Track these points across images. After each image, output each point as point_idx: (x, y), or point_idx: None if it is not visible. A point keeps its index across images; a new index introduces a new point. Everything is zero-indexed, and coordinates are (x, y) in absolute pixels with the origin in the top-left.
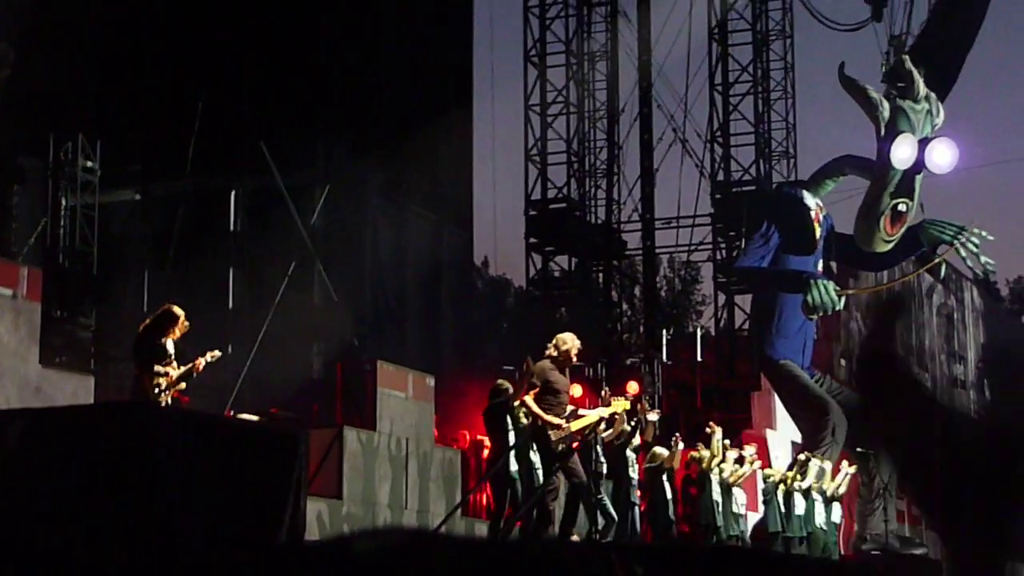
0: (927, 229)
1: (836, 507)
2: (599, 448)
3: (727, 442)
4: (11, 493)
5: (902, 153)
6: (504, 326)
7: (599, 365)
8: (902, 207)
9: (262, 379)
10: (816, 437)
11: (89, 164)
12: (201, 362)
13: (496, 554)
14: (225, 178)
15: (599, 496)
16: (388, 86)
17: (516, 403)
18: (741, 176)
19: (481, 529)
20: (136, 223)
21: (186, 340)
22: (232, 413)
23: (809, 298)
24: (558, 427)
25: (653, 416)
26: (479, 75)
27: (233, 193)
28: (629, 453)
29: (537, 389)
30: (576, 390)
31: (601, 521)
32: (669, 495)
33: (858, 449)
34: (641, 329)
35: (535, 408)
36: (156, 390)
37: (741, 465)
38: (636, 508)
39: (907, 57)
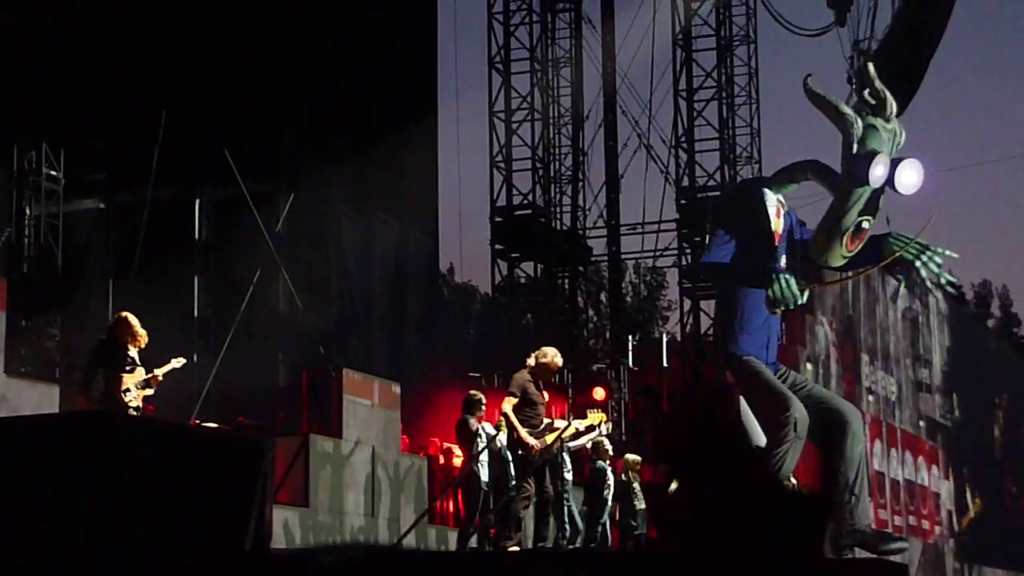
0: (891, 243)
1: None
2: (567, 457)
3: None
4: None
5: (879, 172)
6: (470, 333)
7: (565, 371)
8: (866, 224)
9: (228, 387)
10: (779, 434)
11: (53, 173)
12: (165, 369)
13: (455, 567)
14: (189, 186)
15: (568, 505)
16: (352, 93)
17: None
18: (706, 182)
19: (450, 536)
20: (100, 232)
21: (151, 349)
22: (197, 422)
23: (770, 292)
24: (530, 448)
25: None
26: (443, 81)
27: (197, 201)
28: (601, 464)
29: (517, 400)
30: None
31: (568, 530)
32: (640, 504)
33: (841, 468)
34: (607, 335)
35: (514, 420)
36: (126, 397)
37: None
38: (607, 516)
39: (875, 76)
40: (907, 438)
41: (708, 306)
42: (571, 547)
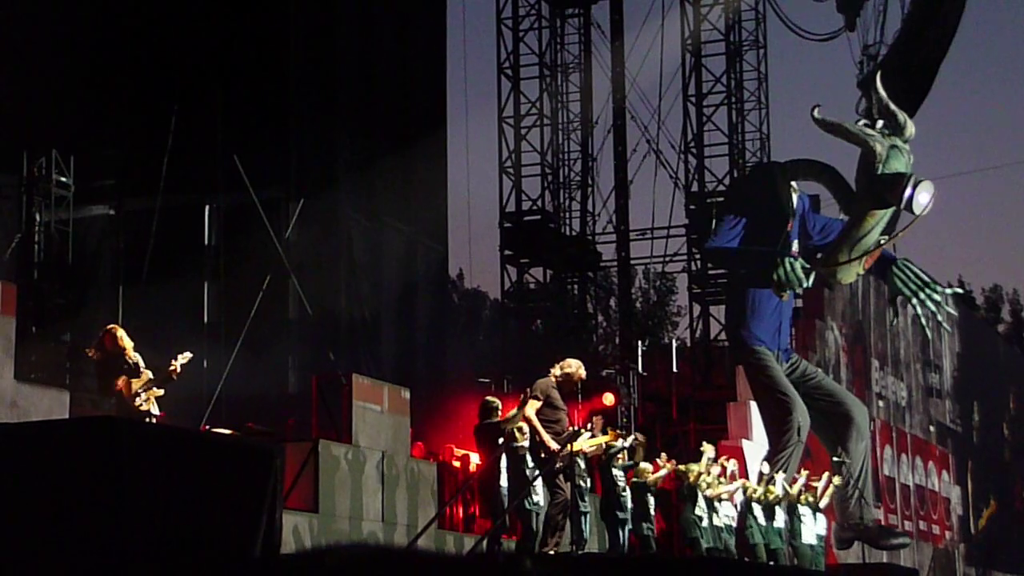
0: (894, 275)
1: (821, 519)
2: (583, 463)
3: (711, 456)
4: None
5: (924, 199)
6: (480, 339)
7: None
8: (883, 242)
9: (237, 393)
10: (782, 438)
11: (63, 180)
12: (175, 365)
13: (465, 569)
14: (199, 193)
15: (585, 511)
16: (362, 99)
17: (509, 421)
18: (715, 187)
19: (460, 541)
20: (110, 238)
21: (160, 354)
22: (207, 427)
23: (775, 276)
24: (552, 452)
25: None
26: (452, 87)
27: (207, 208)
28: (616, 471)
29: (540, 403)
30: None
31: (577, 535)
32: (652, 510)
33: (834, 458)
34: (617, 341)
35: (536, 424)
36: (135, 402)
37: (725, 479)
38: (627, 523)
39: (884, 95)
40: (917, 443)
41: (717, 312)
42: (580, 552)
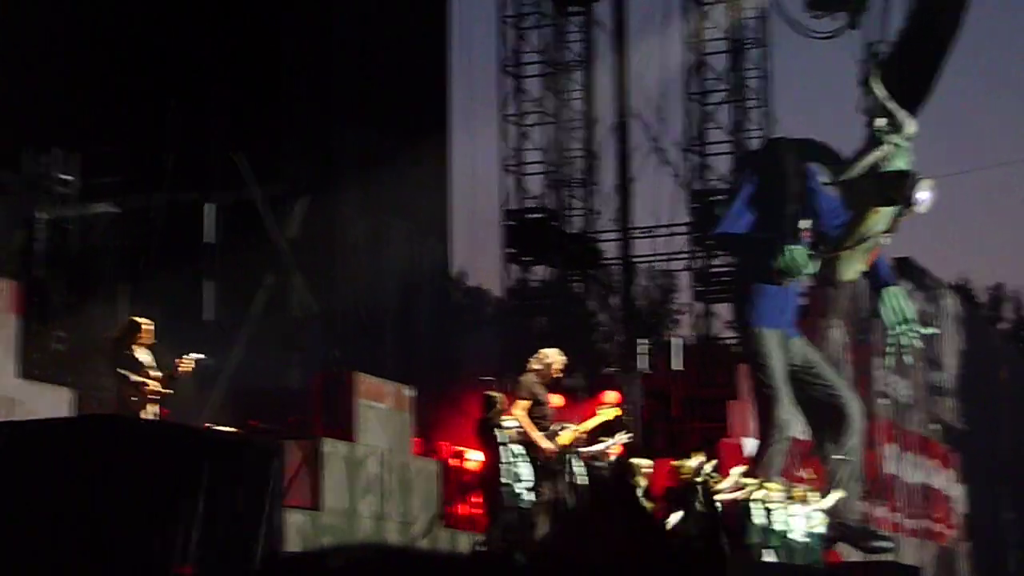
0: (883, 300)
1: (816, 516)
2: (576, 460)
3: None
4: None
5: (926, 195)
6: (482, 337)
7: (580, 376)
8: (884, 241)
9: (240, 391)
10: (767, 433)
11: (65, 177)
12: (181, 364)
13: (462, 567)
14: (201, 190)
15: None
16: (364, 97)
17: (502, 416)
18: (718, 185)
19: (461, 540)
20: (113, 236)
21: (164, 353)
22: (210, 425)
23: (777, 263)
24: (544, 451)
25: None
26: (455, 85)
27: (210, 206)
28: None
29: (529, 403)
30: (555, 400)
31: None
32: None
33: (834, 457)
34: (619, 338)
35: (527, 423)
36: (134, 400)
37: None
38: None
39: (883, 96)
40: (921, 442)
41: (720, 310)
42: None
